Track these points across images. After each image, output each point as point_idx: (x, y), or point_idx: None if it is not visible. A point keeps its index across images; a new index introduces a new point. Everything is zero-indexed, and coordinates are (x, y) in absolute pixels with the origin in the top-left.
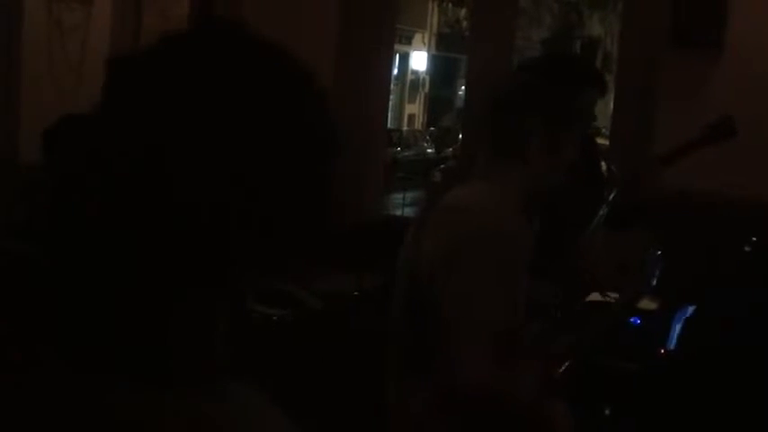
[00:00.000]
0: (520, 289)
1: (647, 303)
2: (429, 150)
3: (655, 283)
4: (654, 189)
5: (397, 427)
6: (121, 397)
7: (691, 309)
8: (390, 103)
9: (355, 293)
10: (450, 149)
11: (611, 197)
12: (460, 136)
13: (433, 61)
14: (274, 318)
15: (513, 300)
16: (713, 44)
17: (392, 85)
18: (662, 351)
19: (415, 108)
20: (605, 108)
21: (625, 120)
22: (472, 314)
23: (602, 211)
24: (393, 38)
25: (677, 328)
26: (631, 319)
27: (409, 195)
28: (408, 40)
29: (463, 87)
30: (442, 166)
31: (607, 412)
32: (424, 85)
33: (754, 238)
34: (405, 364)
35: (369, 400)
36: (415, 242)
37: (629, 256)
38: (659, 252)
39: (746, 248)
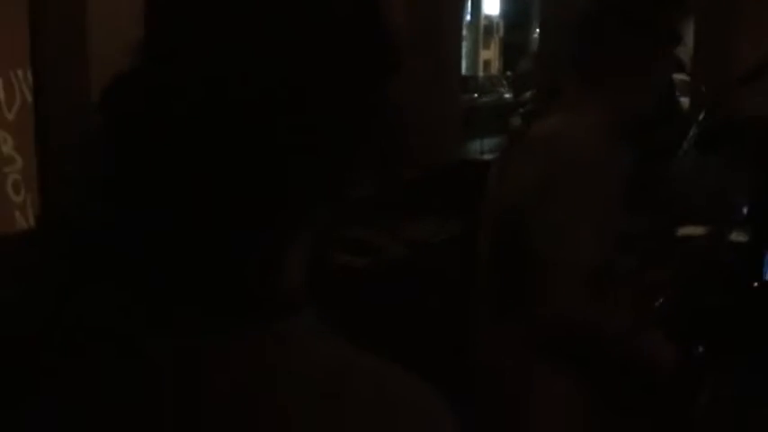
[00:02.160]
0: (614, 221)
1: (737, 235)
2: (506, 96)
3: (746, 212)
4: (737, 110)
5: (489, 371)
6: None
7: None
8: (464, 49)
9: (440, 240)
10: (529, 94)
11: (700, 117)
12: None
13: (506, 4)
14: (357, 266)
15: (607, 232)
16: None
17: (465, 31)
18: (754, 284)
19: (490, 53)
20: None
21: (708, 40)
22: (566, 248)
23: (692, 133)
24: None
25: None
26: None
27: (488, 142)
28: None
29: (538, 30)
30: (521, 110)
31: (700, 349)
32: (498, 29)
33: None
34: (495, 307)
35: (453, 349)
36: (499, 180)
37: (721, 183)
38: (750, 179)
39: None
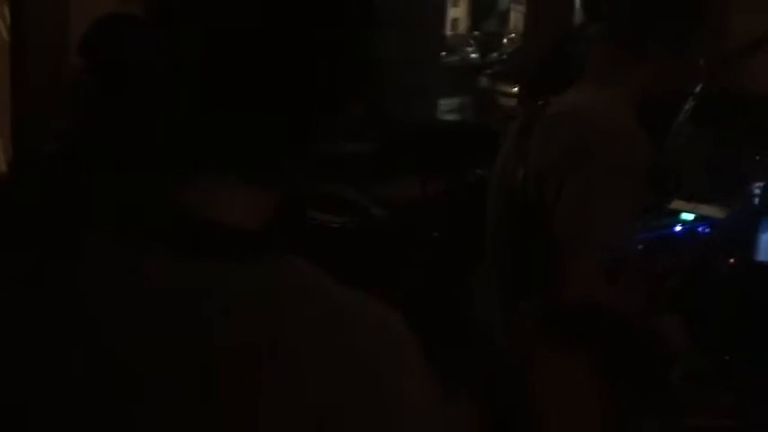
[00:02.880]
0: (638, 201)
1: (714, 211)
2: (473, 55)
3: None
4: (737, 85)
5: (504, 352)
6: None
7: None
8: None
9: (417, 201)
10: (495, 54)
11: (696, 90)
12: (505, 40)
13: None
14: (335, 225)
15: (630, 212)
16: None
17: None
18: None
19: (459, 12)
20: None
21: (704, 15)
22: (589, 226)
23: (688, 106)
24: None
25: (765, 238)
26: (700, 227)
27: (454, 101)
28: None
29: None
30: (488, 71)
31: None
32: None
33: None
34: (510, 288)
35: (433, 309)
36: (517, 153)
37: (719, 156)
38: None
39: None
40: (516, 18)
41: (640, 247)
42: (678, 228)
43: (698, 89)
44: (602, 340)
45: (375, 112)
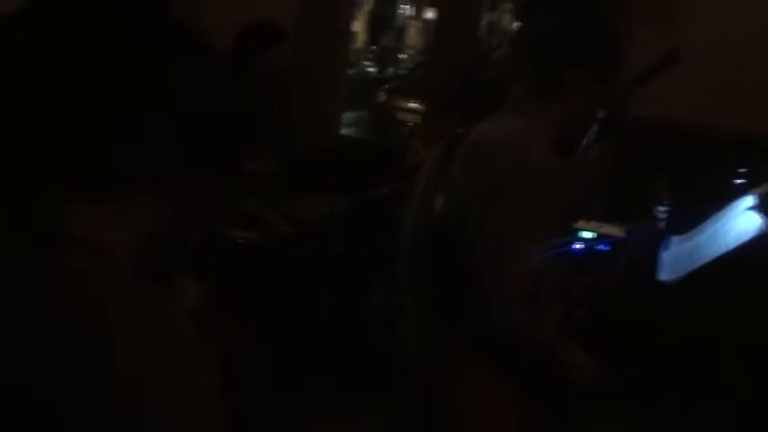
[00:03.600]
0: (558, 229)
1: (612, 229)
2: (370, 69)
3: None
4: (628, 111)
5: (421, 380)
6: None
7: (676, 240)
8: None
9: (325, 217)
10: (392, 69)
11: (600, 114)
12: (403, 55)
13: None
14: (240, 240)
15: (548, 240)
16: None
17: None
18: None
19: (357, 26)
20: None
21: None
22: (512, 255)
23: (592, 130)
24: None
25: (664, 256)
26: (599, 246)
27: (352, 115)
28: None
29: (403, 5)
30: (386, 86)
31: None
32: (367, 1)
33: (743, 170)
34: (426, 312)
35: (328, 326)
36: (437, 178)
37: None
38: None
39: (737, 181)
40: (413, 33)
41: (556, 272)
42: (581, 246)
43: (601, 114)
44: (521, 367)
45: (283, 129)
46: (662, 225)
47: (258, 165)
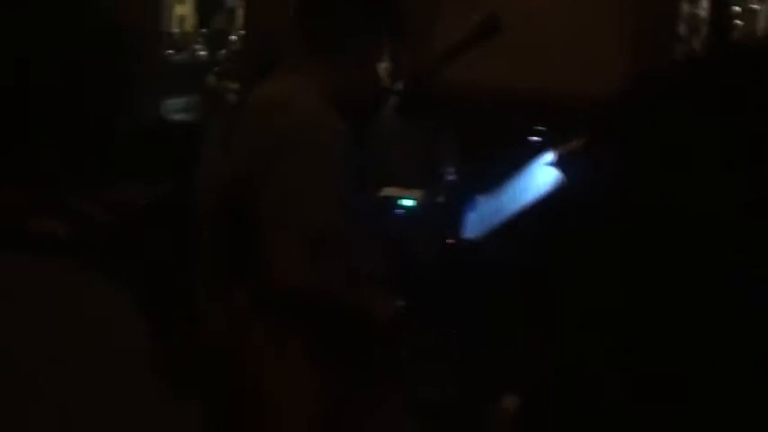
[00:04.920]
0: (340, 185)
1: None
2: (201, 53)
3: (446, 173)
4: (438, 81)
5: (216, 327)
6: None
7: (481, 198)
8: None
9: (144, 203)
10: (224, 51)
11: (396, 87)
12: (233, 37)
13: None
14: (59, 233)
15: (331, 196)
16: None
17: None
18: (450, 241)
19: (185, 9)
20: None
21: (409, 20)
22: (296, 210)
23: (391, 101)
24: None
25: (471, 217)
26: (397, 209)
27: (183, 101)
28: None
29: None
30: (216, 69)
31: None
32: None
33: (540, 127)
34: (220, 267)
35: (167, 312)
36: (223, 144)
37: (422, 148)
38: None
39: (532, 138)
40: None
41: (347, 229)
42: (389, 211)
43: (400, 86)
44: (313, 321)
45: (98, 114)
46: (453, 188)
47: (72, 152)
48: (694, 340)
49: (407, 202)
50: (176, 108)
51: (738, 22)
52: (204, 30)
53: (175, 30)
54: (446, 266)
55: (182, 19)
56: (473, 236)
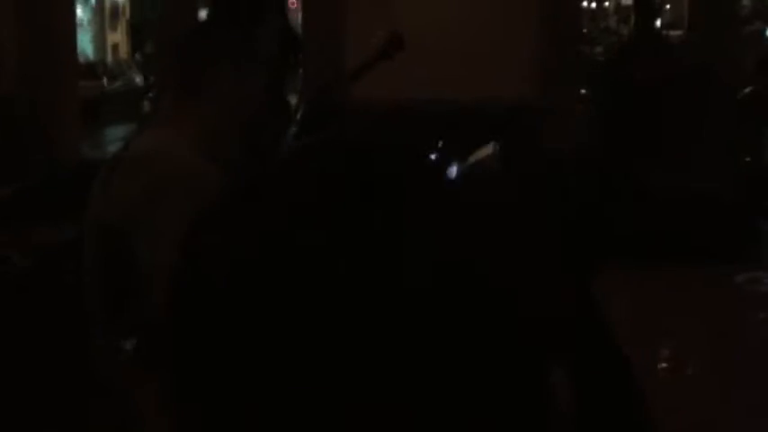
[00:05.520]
0: None
1: None
2: (137, 79)
3: None
4: (345, 101)
5: (107, 370)
6: None
7: None
8: (90, 34)
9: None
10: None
11: (298, 115)
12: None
13: None
14: None
15: None
16: None
17: (89, 15)
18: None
19: (117, 37)
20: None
21: (315, 35)
22: (166, 255)
23: (292, 130)
24: None
25: None
26: None
27: (122, 129)
28: None
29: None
30: (150, 94)
31: None
32: (124, 11)
33: (441, 143)
34: (104, 316)
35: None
36: (105, 191)
37: None
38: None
39: (432, 155)
40: None
41: None
42: None
43: (302, 107)
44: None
45: (17, 152)
46: None
47: None
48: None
49: None
50: (116, 137)
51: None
52: (137, 55)
53: (110, 58)
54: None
55: (115, 47)
56: None
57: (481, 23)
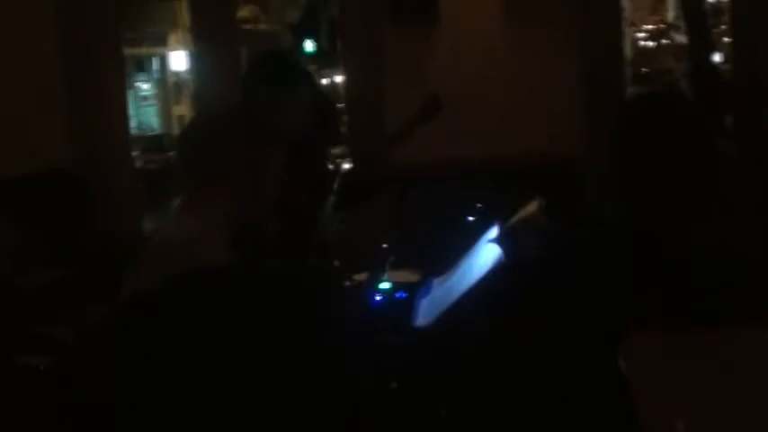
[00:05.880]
0: None
1: (408, 276)
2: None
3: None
4: (386, 165)
5: None
6: None
7: (435, 282)
8: (155, 107)
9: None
10: None
11: (335, 185)
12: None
13: (196, 58)
14: (41, 367)
15: None
16: (428, 17)
17: (153, 89)
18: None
19: (182, 109)
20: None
21: (359, 100)
22: None
23: (330, 201)
24: (118, 42)
25: (423, 303)
26: (397, 294)
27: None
28: (162, 41)
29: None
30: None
31: (394, 385)
32: (188, 84)
33: (479, 205)
34: None
35: None
36: (128, 283)
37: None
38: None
39: (470, 218)
40: None
41: None
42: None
43: (336, 184)
44: None
45: (75, 229)
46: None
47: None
48: None
49: (384, 286)
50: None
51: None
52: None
53: (177, 130)
54: (407, 351)
55: (181, 119)
56: (422, 323)
57: (520, 80)
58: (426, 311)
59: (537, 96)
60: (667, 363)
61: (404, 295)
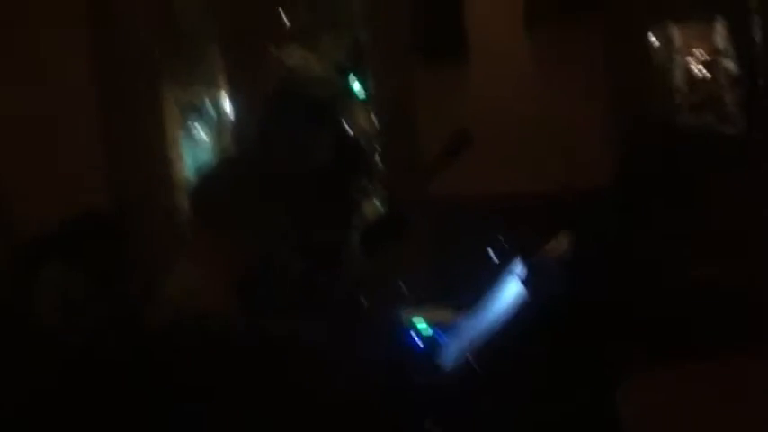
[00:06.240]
0: None
1: (443, 315)
2: None
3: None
4: (419, 201)
5: None
6: None
7: (462, 323)
8: (208, 148)
9: None
10: None
11: (365, 224)
12: None
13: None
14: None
15: None
16: (456, 55)
17: (206, 130)
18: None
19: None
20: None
21: (389, 139)
22: None
23: (356, 240)
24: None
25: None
26: (439, 337)
27: None
28: (215, 83)
29: None
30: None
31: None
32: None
33: (500, 238)
34: None
35: None
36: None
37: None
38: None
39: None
40: None
41: None
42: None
43: (368, 224)
44: None
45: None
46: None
47: None
48: None
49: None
50: None
51: None
52: None
53: None
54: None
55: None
56: (451, 362)
57: (551, 112)
58: (451, 352)
59: (567, 129)
60: (667, 399)
61: (445, 339)
